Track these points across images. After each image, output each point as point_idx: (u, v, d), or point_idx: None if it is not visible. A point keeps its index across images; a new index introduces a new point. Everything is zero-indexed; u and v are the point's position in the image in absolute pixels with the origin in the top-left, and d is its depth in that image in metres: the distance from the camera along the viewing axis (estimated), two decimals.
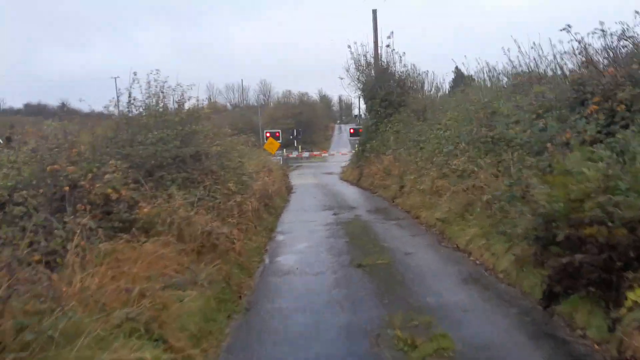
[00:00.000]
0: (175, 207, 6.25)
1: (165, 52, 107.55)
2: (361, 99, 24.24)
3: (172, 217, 6.06)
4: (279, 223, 10.85)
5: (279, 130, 42.00)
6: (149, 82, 8.86)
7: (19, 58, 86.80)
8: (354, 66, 21.67)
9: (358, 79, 21.81)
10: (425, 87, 21.36)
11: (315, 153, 50.10)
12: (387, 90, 20.58)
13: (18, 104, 68.21)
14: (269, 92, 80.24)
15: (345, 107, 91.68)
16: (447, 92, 20.74)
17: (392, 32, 20.74)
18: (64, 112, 79.00)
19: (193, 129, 8.30)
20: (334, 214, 11.57)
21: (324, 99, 77.98)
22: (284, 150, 45.56)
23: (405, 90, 20.88)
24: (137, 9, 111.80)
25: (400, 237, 8.88)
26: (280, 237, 9.46)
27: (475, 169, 8.39)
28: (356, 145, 43.66)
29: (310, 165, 45.71)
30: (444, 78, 31.29)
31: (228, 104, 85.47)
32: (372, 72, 21.56)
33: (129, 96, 8.52)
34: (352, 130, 41.19)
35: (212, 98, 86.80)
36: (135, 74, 8.64)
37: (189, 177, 7.65)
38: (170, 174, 7.40)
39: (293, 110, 60.02)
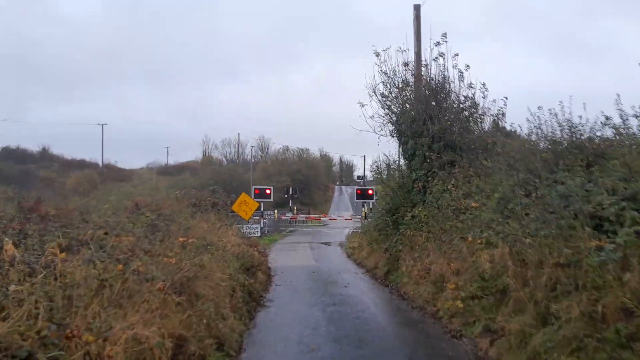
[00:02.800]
0: None
1: (158, 111, 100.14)
2: (382, 146, 15.09)
3: None
4: None
5: (271, 188, 32.89)
6: None
7: (6, 107, 79.51)
8: (382, 87, 12.73)
9: (389, 107, 12.77)
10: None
11: (312, 216, 40.65)
12: (442, 124, 11.52)
13: None
14: (267, 149, 71.96)
15: (346, 168, 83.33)
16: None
17: (446, 35, 12.03)
18: (45, 157, 70.20)
19: None
20: None
21: (325, 159, 69.61)
22: (276, 211, 36.16)
23: (468, 126, 11.85)
24: (126, 70, 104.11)
25: None
26: None
27: None
28: (363, 209, 34.40)
29: (306, 230, 35.99)
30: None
31: (224, 159, 77.03)
32: (412, 96, 12.59)
33: None
34: (359, 192, 32.04)
35: (206, 152, 78.61)
36: None
37: None
38: None
39: (290, 167, 51.18)
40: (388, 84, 12.62)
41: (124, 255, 4.43)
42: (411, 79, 12.63)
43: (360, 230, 33.78)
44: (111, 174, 59.35)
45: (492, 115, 11.67)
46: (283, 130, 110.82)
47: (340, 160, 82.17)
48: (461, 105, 11.92)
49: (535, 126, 8.15)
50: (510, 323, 5.28)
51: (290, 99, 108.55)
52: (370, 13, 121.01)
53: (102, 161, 63.29)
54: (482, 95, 11.82)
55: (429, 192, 10.89)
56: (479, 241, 7.10)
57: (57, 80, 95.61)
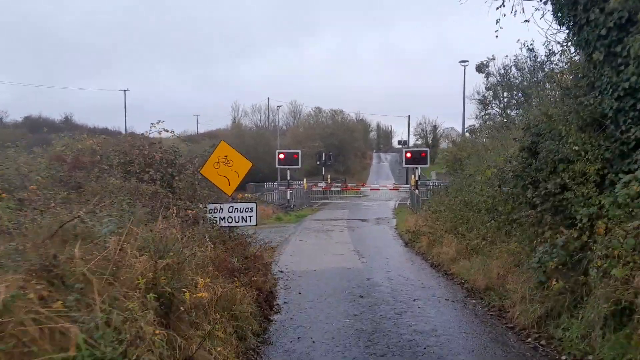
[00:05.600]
0: None
1: (187, 84, 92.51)
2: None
3: None
4: None
5: (298, 152, 26.01)
6: None
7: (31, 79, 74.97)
8: None
9: None
10: None
11: (349, 186, 33.56)
12: None
13: (17, 117, 55.46)
14: (299, 115, 64.67)
15: (384, 135, 75.09)
16: None
17: None
18: (68, 126, 66.26)
19: None
20: None
21: (362, 123, 61.72)
22: (305, 180, 29.35)
23: None
24: (150, 47, 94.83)
25: None
26: None
27: None
28: (413, 177, 26.97)
29: (341, 203, 28.75)
30: None
31: (254, 126, 70.60)
32: None
33: None
34: (409, 155, 24.52)
35: (236, 119, 72.37)
36: None
37: None
38: None
39: (323, 130, 43.92)
40: None
41: None
42: None
43: (409, 203, 26.58)
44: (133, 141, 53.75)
45: None
46: (314, 95, 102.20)
47: (378, 126, 73.77)
48: None
49: None
50: None
51: (320, 64, 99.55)
52: None
53: (126, 129, 58.19)
54: None
55: None
56: None
57: (82, 57, 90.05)
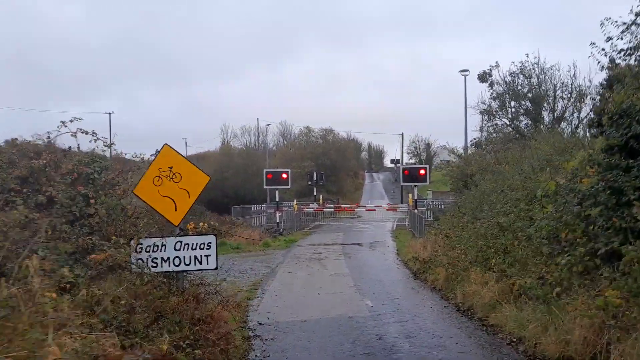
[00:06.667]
0: None
1: (175, 108, 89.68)
2: None
3: None
4: None
5: (287, 171, 23.90)
6: None
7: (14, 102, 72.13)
8: None
9: None
10: None
11: (343, 206, 31.34)
12: None
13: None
14: (290, 135, 62.82)
15: (376, 155, 73.41)
16: None
17: None
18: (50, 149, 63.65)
19: None
20: None
21: (353, 143, 59.93)
22: (295, 202, 27.10)
23: None
24: (133, 72, 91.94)
25: None
26: None
27: None
28: (410, 196, 24.93)
29: (335, 225, 26.24)
30: None
31: (244, 148, 68.54)
32: None
33: None
34: (406, 172, 22.46)
35: (225, 141, 70.33)
36: None
37: None
38: None
39: (314, 150, 41.97)
40: None
41: None
42: None
43: (408, 224, 24.30)
44: (117, 165, 51.50)
45: None
46: (305, 117, 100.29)
47: (369, 145, 72.10)
48: None
49: None
50: None
51: (309, 86, 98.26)
52: None
53: (110, 153, 55.73)
54: None
55: None
56: None
57: (65, 82, 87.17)
